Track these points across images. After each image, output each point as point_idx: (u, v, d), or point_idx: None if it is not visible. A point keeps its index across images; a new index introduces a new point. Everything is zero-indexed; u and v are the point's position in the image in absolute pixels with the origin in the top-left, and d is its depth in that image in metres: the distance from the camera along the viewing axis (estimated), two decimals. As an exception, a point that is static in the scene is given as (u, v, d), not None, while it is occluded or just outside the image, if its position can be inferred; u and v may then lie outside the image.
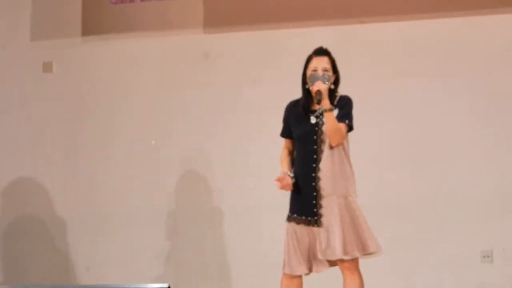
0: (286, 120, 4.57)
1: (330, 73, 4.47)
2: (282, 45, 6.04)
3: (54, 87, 6.52)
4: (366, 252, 4.40)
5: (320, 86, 4.35)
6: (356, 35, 6.11)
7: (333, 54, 6.14)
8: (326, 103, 4.36)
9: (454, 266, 5.89)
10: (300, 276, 4.45)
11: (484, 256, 5.87)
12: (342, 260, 4.35)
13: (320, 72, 4.44)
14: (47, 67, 6.53)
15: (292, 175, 4.45)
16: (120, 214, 6.32)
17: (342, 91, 6.04)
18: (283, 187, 4.40)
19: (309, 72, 4.46)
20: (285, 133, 4.58)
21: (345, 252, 4.34)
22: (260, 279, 5.85)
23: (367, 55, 6.10)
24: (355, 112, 6.05)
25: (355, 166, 6.01)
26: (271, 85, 5.99)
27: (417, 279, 5.92)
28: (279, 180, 4.40)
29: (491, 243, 5.88)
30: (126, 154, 6.37)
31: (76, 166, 6.43)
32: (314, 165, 4.37)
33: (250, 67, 6.20)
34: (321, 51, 4.54)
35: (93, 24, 6.49)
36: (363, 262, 5.91)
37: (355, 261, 4.38)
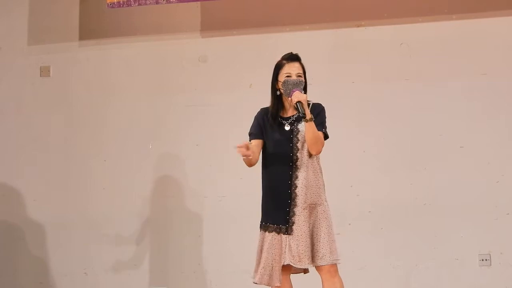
0: (259, 125, 4.42)
1: (303, 78, 4.37)
2: (280, 49, 6.00)
3: (52, 91, 6.53)
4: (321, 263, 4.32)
5: (299, 97, 4.22)
6: (353, 38, 6.12)
7: (330, 57, 6.20)
8: (307, 113, 4.22)
9: (452, 269, 5.89)
10: (289, 281, 4.42)
11: (482, 260, 5.88)
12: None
13: (294, 78, 4.34)
14: (44, 71, 6.54)
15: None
16: (119, 218, 6.32)
17: (340, 93, 6.10)
18: (243, 153, 4.17)
19: (282, 78, 4.36)
20: (256, 135, 4.41)
21: (314, 261, 4.30)
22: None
23: (364, 58, 6.11)
24: (352, 114, 6.10)
25: (353, 169, 6.06)
26: (268, 89, 5.99)
27: (415, 282, 5.92)
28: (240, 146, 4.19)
29: (489, 247, 5.89)
30: (123, 158, 6.38)
31: (73, 170, 6.44)
32: (290, 172, 4.31)
33: (247, 71, 6.21)
34: (293, 57, 4.42)
35: (91, 29, 6.51)
36: (363, 263, 5.95)
37: (335, 264, 4.31)
